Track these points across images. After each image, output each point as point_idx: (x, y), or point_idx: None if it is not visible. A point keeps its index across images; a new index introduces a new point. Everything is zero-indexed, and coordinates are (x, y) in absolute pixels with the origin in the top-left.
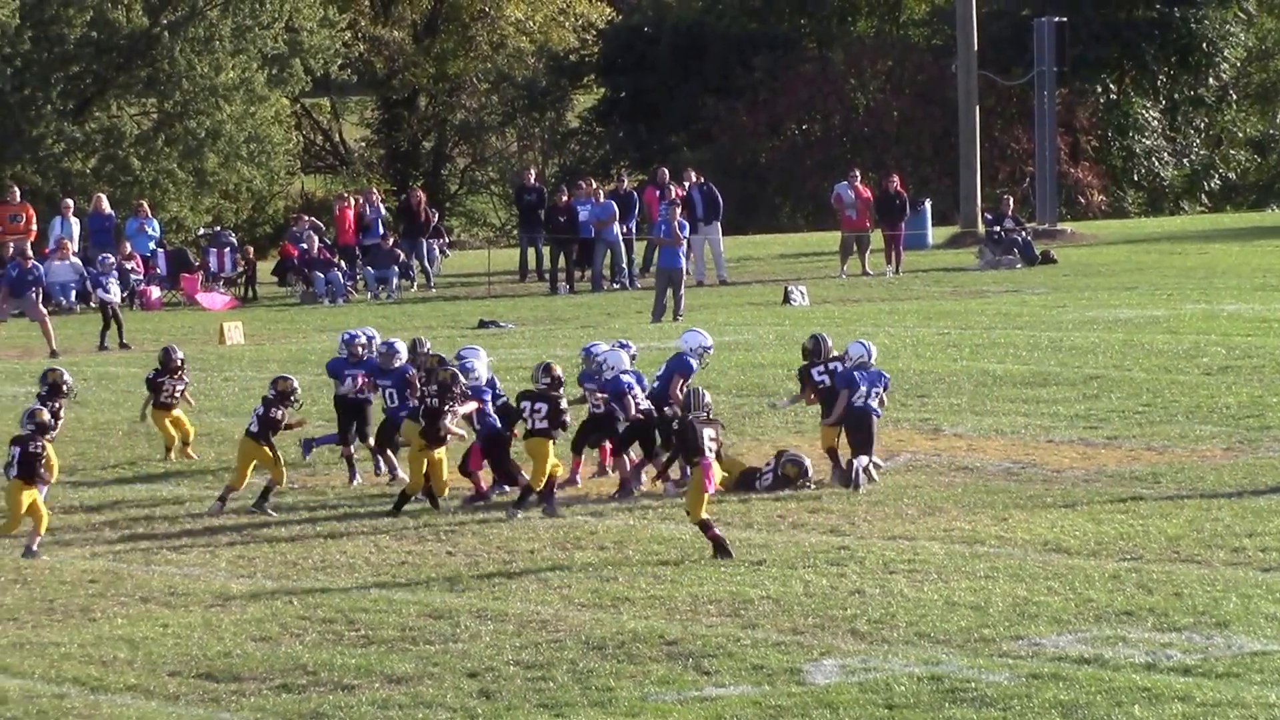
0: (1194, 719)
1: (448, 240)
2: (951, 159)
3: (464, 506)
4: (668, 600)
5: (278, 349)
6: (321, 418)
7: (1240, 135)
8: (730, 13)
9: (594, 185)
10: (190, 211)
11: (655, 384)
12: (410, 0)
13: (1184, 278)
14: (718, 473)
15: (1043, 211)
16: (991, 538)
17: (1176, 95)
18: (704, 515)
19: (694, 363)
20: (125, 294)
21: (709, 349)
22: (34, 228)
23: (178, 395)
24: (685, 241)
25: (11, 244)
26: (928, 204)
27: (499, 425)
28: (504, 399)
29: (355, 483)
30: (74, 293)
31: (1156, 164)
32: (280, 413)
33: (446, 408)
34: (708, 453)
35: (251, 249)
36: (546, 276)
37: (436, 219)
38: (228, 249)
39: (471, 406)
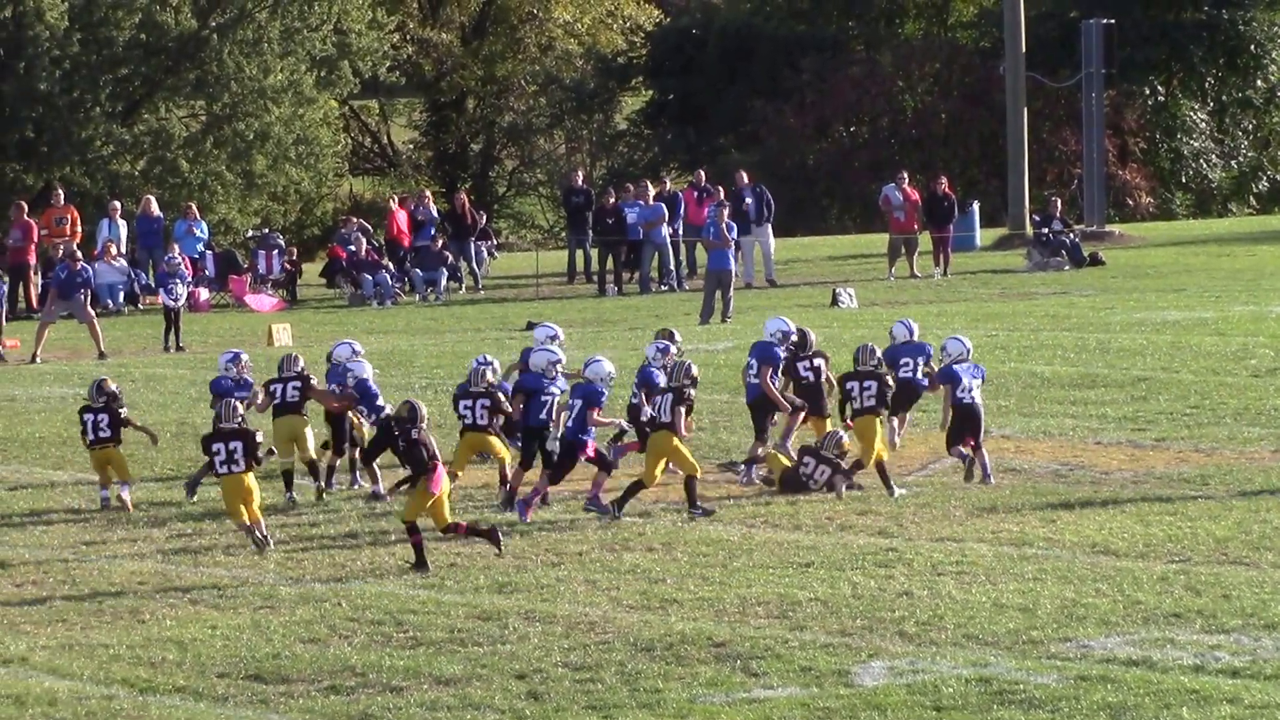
0: None
1: (496, 242)
2: (999, 161)
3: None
4: (716, 602)
5: (325, 350)
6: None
7: None
8: (778, 15)
9: (646, 186)
10: (238, 213)
11: (749, 375)
12: (459, 2)
13: (1232, 279)
14: (446, 482)
15: (1090, 213)
16: (1039, 539)
17: (1224, 97)
18: (416, 519)
19: (780, 351)
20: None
21: (790, 334)
22: (79, 230)
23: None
24: (734, 243)
25: (60, 246)
26: (975, 206)
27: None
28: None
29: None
30: (122, 295)
31: (1204, 166)
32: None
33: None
34: (438, 459)
35: (294, 251)
36: (594, 278)
37: (484, 221)
38: (276, 251)
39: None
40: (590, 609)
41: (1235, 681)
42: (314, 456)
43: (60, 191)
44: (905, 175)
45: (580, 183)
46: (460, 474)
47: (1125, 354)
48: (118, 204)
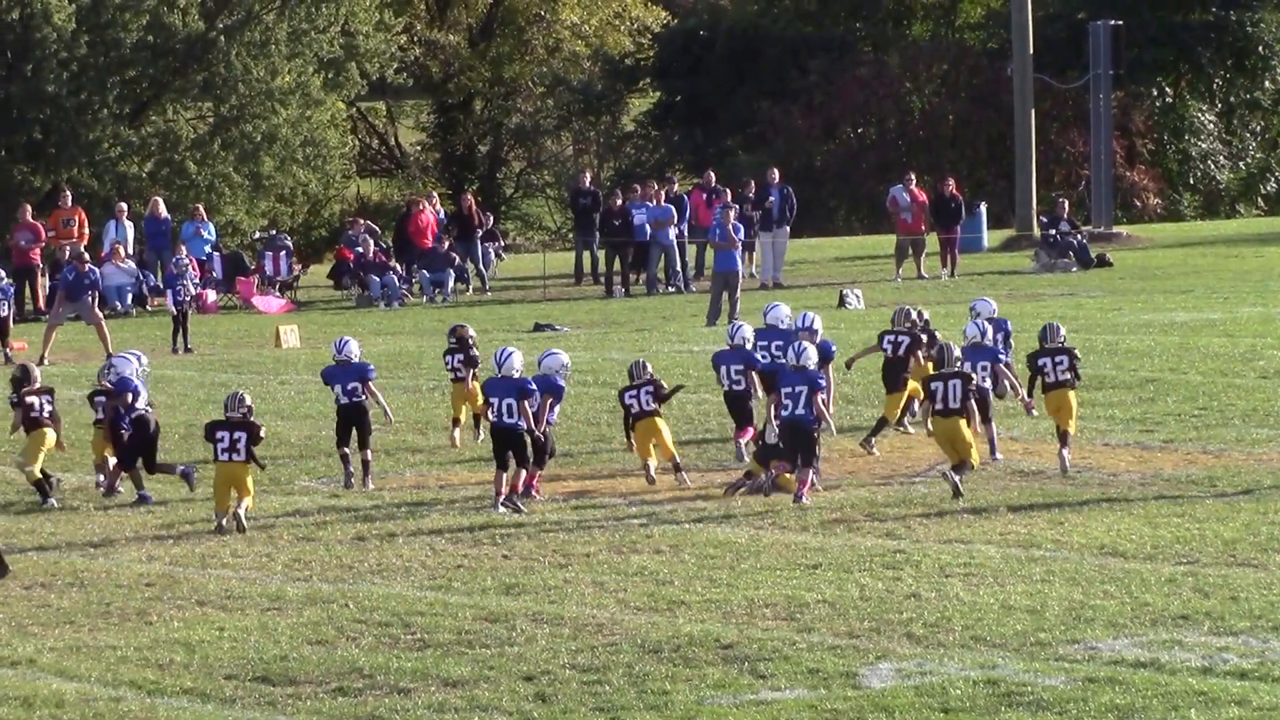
0: None
1: (503, 244)
2: (1007, 162)
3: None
4: (723, 604)
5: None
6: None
7: None
8: (785, 16)
9: (655, 187)
10: (246, 215)
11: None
12: (466, 4)
13: (1240, 281)
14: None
15: (1098, 215)
16: (1047, 541)
17: (1232, 98)
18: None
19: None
20: (185, 298)
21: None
22: (86, 232)
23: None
24: (740, 244)
25: (68, 248)
26: (983, 207)
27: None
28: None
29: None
30: (130, 296)
31: (1212, 167)
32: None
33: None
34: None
35: (295, 255)
36: (602, 280)
37: (490, 222)
38: (283, 252)
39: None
40: (598, 611)
41: (1244, 683)
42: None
43: (68, 193)
44: (913, 176)
45: (587, 184)
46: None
47: (1133, 355)
48: (124, 205)
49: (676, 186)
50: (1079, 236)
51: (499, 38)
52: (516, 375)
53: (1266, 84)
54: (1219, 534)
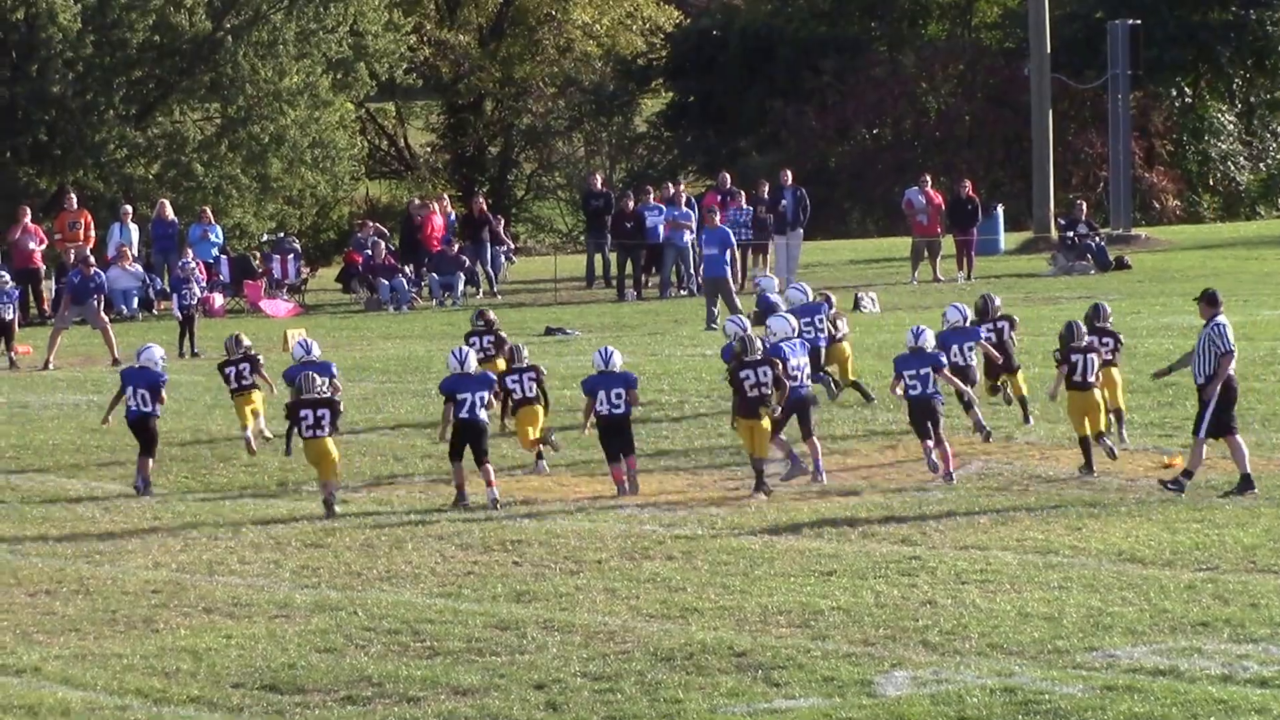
0: None
1: (513, 246)
2: (1024, 163)
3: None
4: (737, 611)
5: (342, 356)
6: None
7: None
8: (799, 15)
9: (673, 189)
10: (254, 218)
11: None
12: (476, 3)
13: (1260, 283)
14: None
15: (1117, 216)
16: (1065, 547)
17: (1252, 99)
18: None
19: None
20: (192, 301)
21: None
22: (92, 234)
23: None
24: (691, 229)
25: (72, 251)
26: (1000, 209)
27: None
28: None
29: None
30: (136, 300)
31: (1232, 168)
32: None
33: None
34: None
35: (303, 258)
36: (613, 283)
37: (500, 225)
38: (291, 255)
39: None
40: (610, 618)
41: (1264, 691)
42: None
43: (73, 195)
44: (928, 178)
45: (599, 186)
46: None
47: (1151, 359)
48: (129, 208)
49: (685, 189)
50: (1097, 239)
51: (509, 38)
52: (618, 370)
53: None
54: (1239, 540)
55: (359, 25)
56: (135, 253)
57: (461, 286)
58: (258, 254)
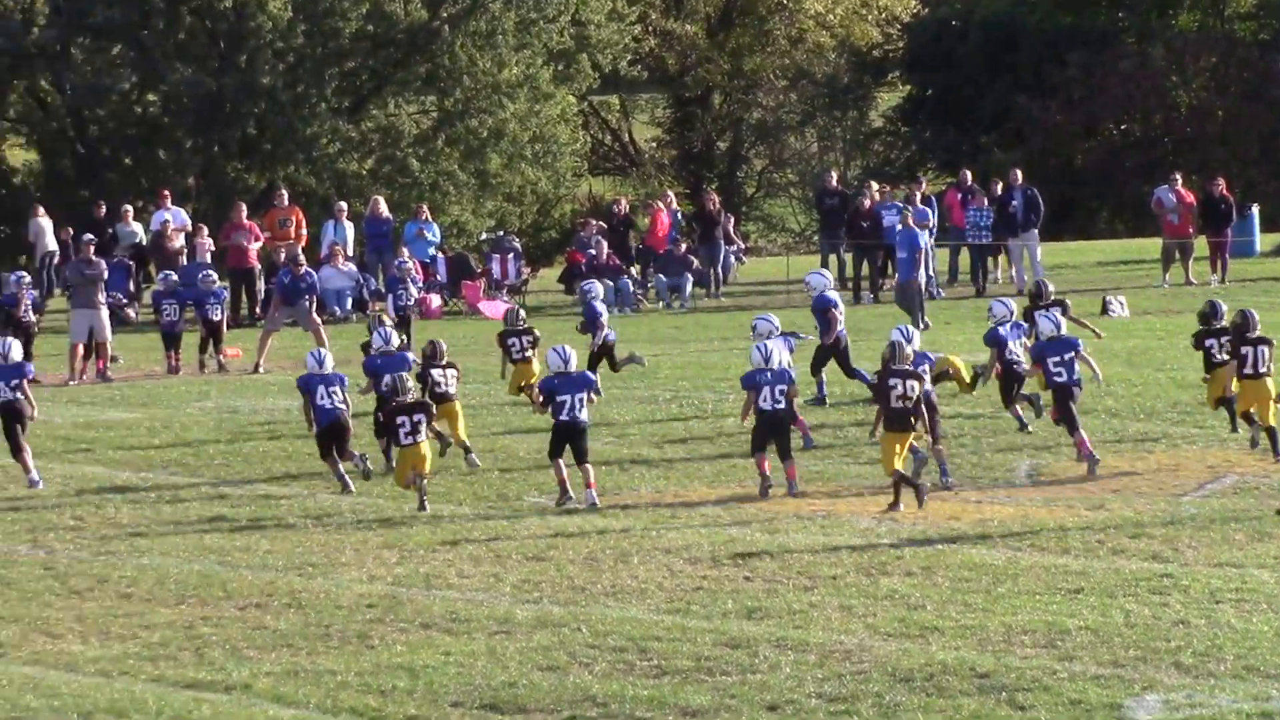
0: None
1: (744, 246)
2: None
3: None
4: (979, 630)
5: None
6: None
7: None
8: (1043, 6)
9: (923, 186)
10: (472, 215)
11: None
12: None
13: None
14: None
15: None
16: None
17: None
18: None
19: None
20: (408, 302)
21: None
22: (304, 233)
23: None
24: (925, 251)
25: (282, 250)
26: (1255, 209)
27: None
28: None
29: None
30: (349, 301)
31: None
32: None
33: None
34: None
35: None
36: (849, 285)
37: (730, 223)
38: (511, 255)
39: None
40: (845, 636)
41: None
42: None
43: (284, 192)
44: (1179, 176)
45: (834, 183)
46: None
47: None
48: (344, 205)
49: (926, 187)
50: None
51: (739, 28)
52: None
53: None
54: None
55: (581, 15)
56: (350, 252)
57: (690, 288)
58: (476, 253)
